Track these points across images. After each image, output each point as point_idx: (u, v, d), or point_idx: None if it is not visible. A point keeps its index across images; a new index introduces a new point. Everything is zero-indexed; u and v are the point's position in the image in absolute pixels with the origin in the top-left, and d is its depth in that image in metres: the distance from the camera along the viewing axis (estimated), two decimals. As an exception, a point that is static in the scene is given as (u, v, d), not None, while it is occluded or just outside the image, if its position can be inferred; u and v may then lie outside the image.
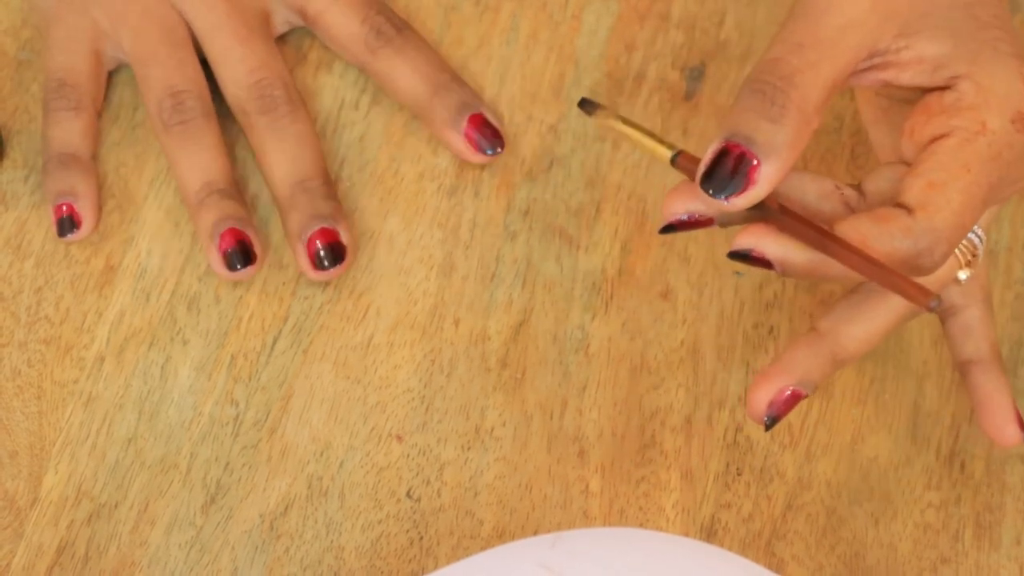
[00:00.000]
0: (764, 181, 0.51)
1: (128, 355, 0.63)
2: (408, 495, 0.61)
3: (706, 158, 0.52)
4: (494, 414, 0.62)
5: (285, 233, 0.64)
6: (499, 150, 0.65)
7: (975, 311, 0.59)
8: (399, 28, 0.66)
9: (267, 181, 0.65)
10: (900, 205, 0.52)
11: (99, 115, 0.66)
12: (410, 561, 0.60)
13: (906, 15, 0.54)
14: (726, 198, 0.51)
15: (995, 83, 0.54)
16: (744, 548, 0.60)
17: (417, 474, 0.61)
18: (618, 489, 0.61)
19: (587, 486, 0.61)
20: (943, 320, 0.60)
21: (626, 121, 0.55)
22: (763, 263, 0.52)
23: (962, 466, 0.62)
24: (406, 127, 0.67)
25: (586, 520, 0.60)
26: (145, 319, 0.63)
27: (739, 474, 0.61)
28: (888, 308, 0.56)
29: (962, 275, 0.57)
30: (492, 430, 0.62)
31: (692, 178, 0.52)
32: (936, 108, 0.54)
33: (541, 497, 0.61)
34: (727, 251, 0.52)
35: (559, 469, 0.61)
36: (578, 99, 0.57)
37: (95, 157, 0.65)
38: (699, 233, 0.65)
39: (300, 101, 0.65)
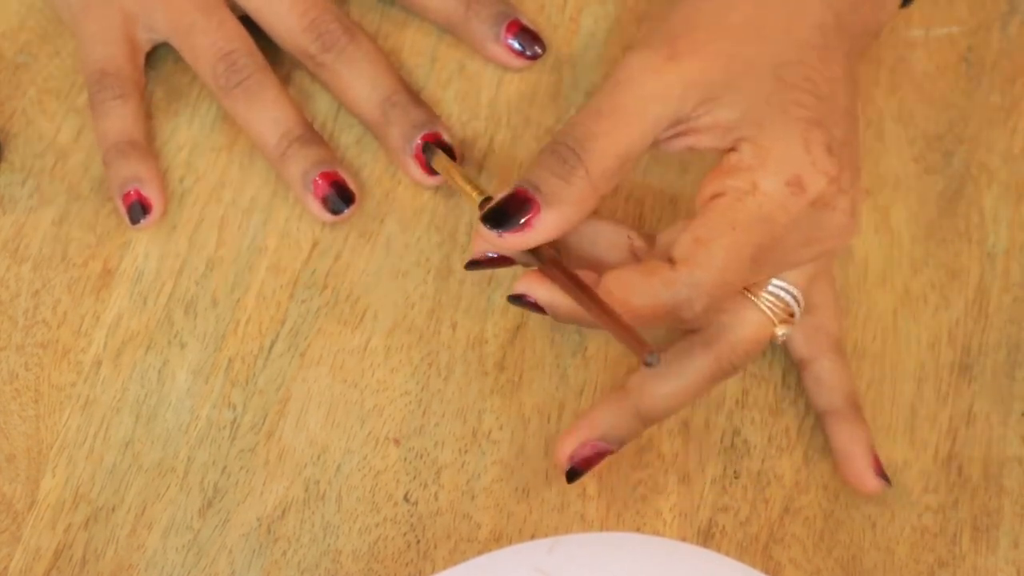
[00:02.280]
0: (541, 227, 0.55)
1: (125, 359, 0.63)
2: (405, 499, 0.61)
3: (496, 199, 0.56)
4: (491, 417, 0.62)
5: (389, 150, 0.65)
6: (542, 51, 0.66)
7: (824, 362, 0.61)
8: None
9: (354, 111, 0.65)
10: (670, 259, 0.55)
11: (144, 99, 0.66)
12: (407, 565, 0.60)
13: (710, 84, 0.56)
14: (500, 233, 0.55)
15: (775, 145, 0.55)
16: (741, 552, 0.60)
17: (414, 478, 0.61)
18: (615, 493, 0.61)
19: (584, 490, 0.61)
20: (799, 372, 0.62)
21: (452, 165, 0.61)
22: (535, 307, 0.57)
23: (959, 469, 0.62)
24: (403, 130, 0.67)
25: (583, 524, 0.60)
26: (142, 323, 0.63)
27: (736, 477, 0.61)
28: (694, 368, 0.58)
29: (780, 331, 0.58)
30: (489, 433, 0.62)
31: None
32: (721, 168, 0.56)
33: (538, 501, 0.61)
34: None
35: (556, 472, 0.61)
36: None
37: (150, 140, 0.65)
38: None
39: (355, 25, 0.65)
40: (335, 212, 0.63)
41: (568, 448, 0.58)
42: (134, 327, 0.63)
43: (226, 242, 0.65)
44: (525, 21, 0.66)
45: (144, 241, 0.65)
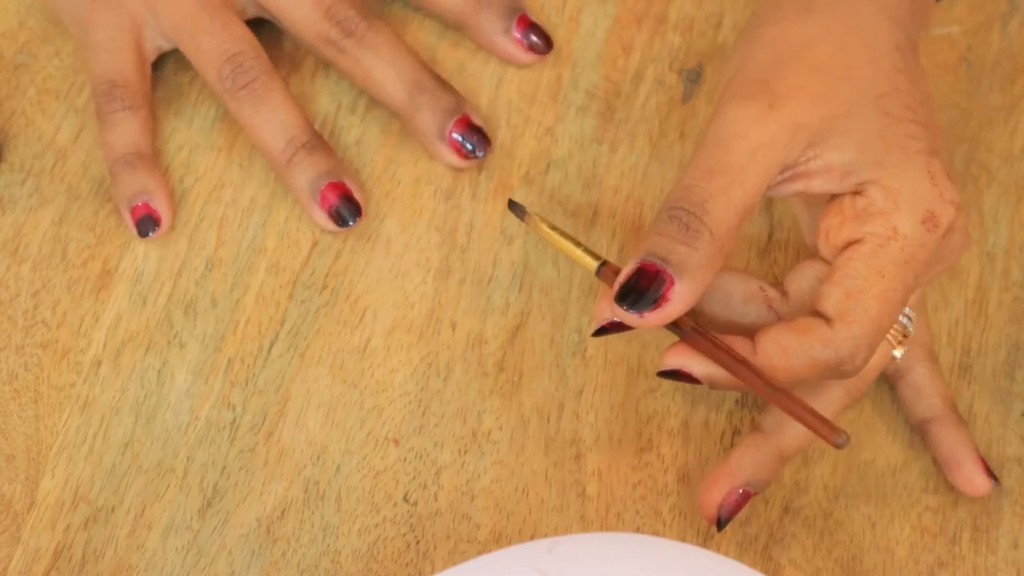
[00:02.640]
0: (678, 299, 0.53)
1: (125, 359, 0.63)
2: (405, 499, 0.61)
3: (622, 275, 0.54)
4: (491, 418, 0.62)
5: (421, 137, 0.64)
6: (549, 47, 0.66)
7: (921, 370, 0.60)
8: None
9: (379, 96, 0.65)
10: (819, 313, 0.54)
11: (151, 110, 0.65)
12: (407, 565, 0.60)
13: (815, 125, 0.55)
14: (641, 314, 0.53)
15: (903, 185, 0.55)
16: (741, 552, 0.60)
17: (414, 478, 0.61)
18: (615, 493, 0.61)
19: (584, 490, 0.61)
20: (893, 384, 0.61)
21: (554, 228, 0.58)
22: (691, 379, 0.56)
23: (959, 470, 0.62)
24: (402, 131, 0.67)
25: (583, 524, 0.60)
26: (142, 323, 0.63)
27: (736, 478, 0.61)
28: (828, 402, 0.58)
29: (897, 353, 0.58)
30: (489, 434, 0.62)
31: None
32: (849, 213, 0.55)
33: (538, 501, 0.61)
34: (656, 371, 0.56)
35: (556, 473, 0.61)
36: (508, 201, 0.60)
37: (157, 152, 0.65)
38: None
39: (371, 11, 0.65)
40: (342, 224, 0.63)
41: (715, 499, 0.58)
42: (133, 327, 0.63)
43: (226, 242, 0.65)
44: (533, 17, 0.67)
45: (143, 241, 0.64)
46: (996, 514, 0.61)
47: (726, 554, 0.60)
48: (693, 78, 0.68)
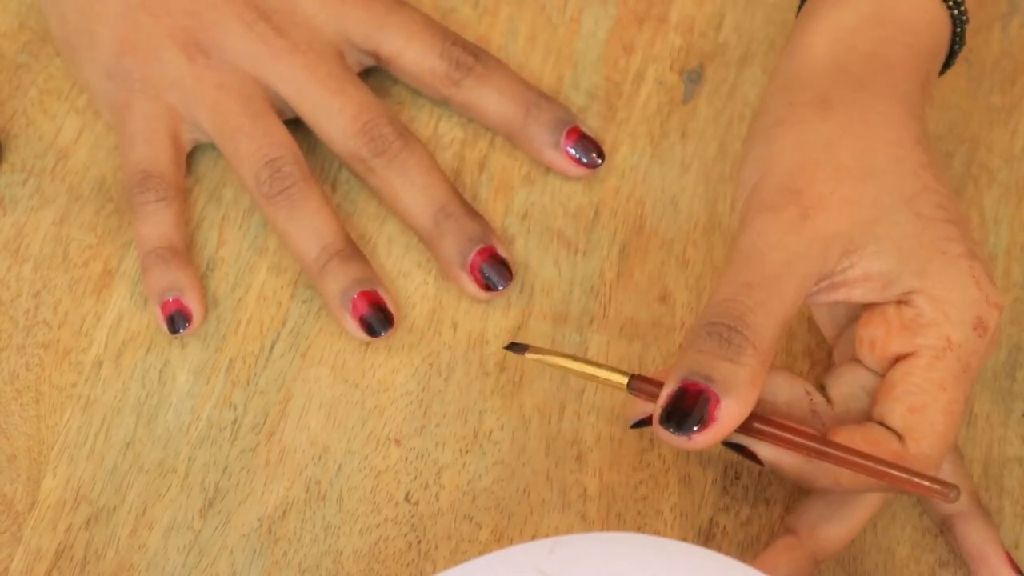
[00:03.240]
0: (726, 418, 0.52)
1: (126, 359, 0.63)
2: (406, 499, 0.61)
3: (664, 397, 0.53)
4: (492, 418, 0.62)
5: (443, 264, 0.63)
6: (601, 161, 0.65)
7: (946, 465, 0.59)
8: (476, 55, 0.65)
9: (404, 219, 0.63)
10: (883, 425, 0.54)
11: (185, 203, 0.64)
12: (408, 565, 0.60)
13: (849, 232, 0.54)
14: (689, 436, 0.52)
15: (950, 293, 0.54)
16: (742, 552, 0.60)
17: (415, 478, 0.61)
18: (616, 493, 0.61)
19: (585, 490, 0.61)
20: None
21: (567, 356, 0.57)
22: (754, 459, 0.55)
23: (960, 470, 0.62)
24: (404, 130, 0.67)
25: (584, 524, 0.60)
26: (143, 323, 0.63)
27: (737, 478, 0.61)
28: (867, 504, 0.57)
29: None
30: (490, 434, 0.62)
31: (649, 398, 0.54)
32: (896, 323, 0.54)
33: (539, 501, 0.61)
34: (723, 440, 0.54)
35: (557, 473, 0.61)
36: (506, 345, 0.60)
37: (189, 246, 0.64)
38: (698, 236, 0.65)
39: (408, 131, 0.64)
40: (373, 333, 0.62)
41: None
42: (135, 327, 0.63)
43: (227, 242, 0.65)
44: (585, 128, 0.65)
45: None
46: (997, 515, 0.61)
47: (727, 554, 0.60)
48: (694, 79, 0.68)
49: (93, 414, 0.62)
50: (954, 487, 0.52)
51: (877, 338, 0.55)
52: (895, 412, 0.54)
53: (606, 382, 0.56)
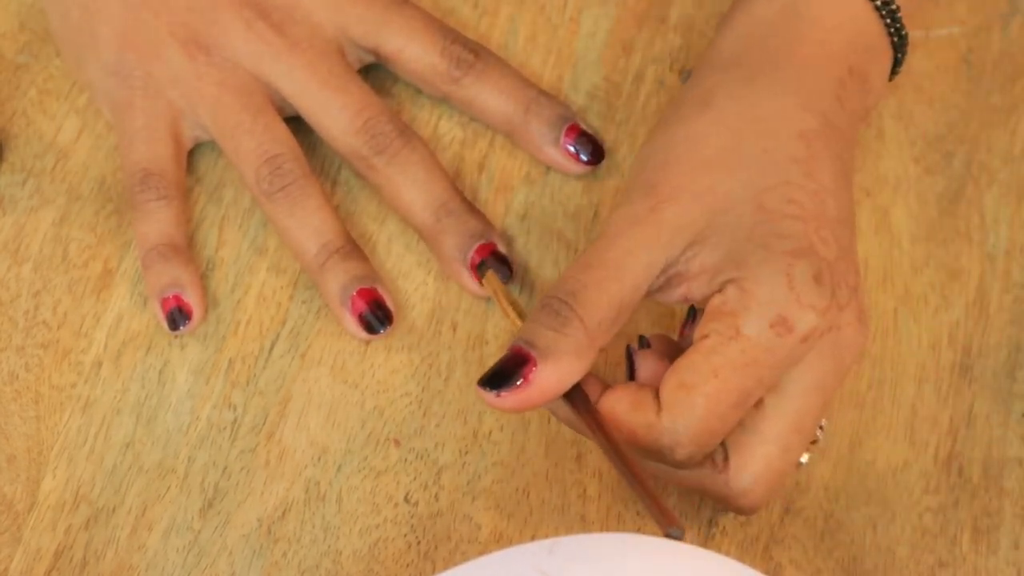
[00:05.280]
0: (540, 380, 0.54)
1: (126, 359, 0.63)
2: (406, 499, 0.61)
3: (497, 361, 0.55)
4: (491, 418, 0.62)
5: (441, 258, 0.63)
6: (601, 158, 0.65)
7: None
8: (476, 53, 0.65)
9: (405, 216, 0.63)
10: (658, 397, 0.54)
11: (186, 200, 0.64)
12: (408, 566, 0.60)
13: (697, 224, 0.55)
14: (497, 393, 0.54)
15: (758, 287, 0.54)
16: (742, 552, 0.60)
17: (415, 478, 0.61)
18: (616, 493, 0.61)
19: (585, 490, 0.61)
20: None
21: (498, 286, 0.61)
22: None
23: (960, 470, 0.62)
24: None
25: (584, 524, 0.60)
26: (143, 323, 0.63)
27: (737, 478, 0.61)
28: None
29: (803, 459, 0.58)
30: (490, 434, 0.62)
31: None
32: (707, 311, 0.55)
33: (539, 501, 0.61)
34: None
35: (557, 473, 0.61)
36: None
37: (190, 243, 0.64)
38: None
39: (409, 128, 0.64)
40: (371, 331, 0.62)
41: None
42: (134, 328, 0.63)
43: (227, 242, 0.65)
44: (584, 126, 0.65)
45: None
46: (997, 515, 0.61)
47: (727, 554, 0.60)
48: (694, 79, 0.68)
49: (93, 414, 0.62)
50: (677, 526, 0.52)
51: (699, 324, 0.55)
52: (667, 384, 0.54)
53: (510, 321, 0.60)
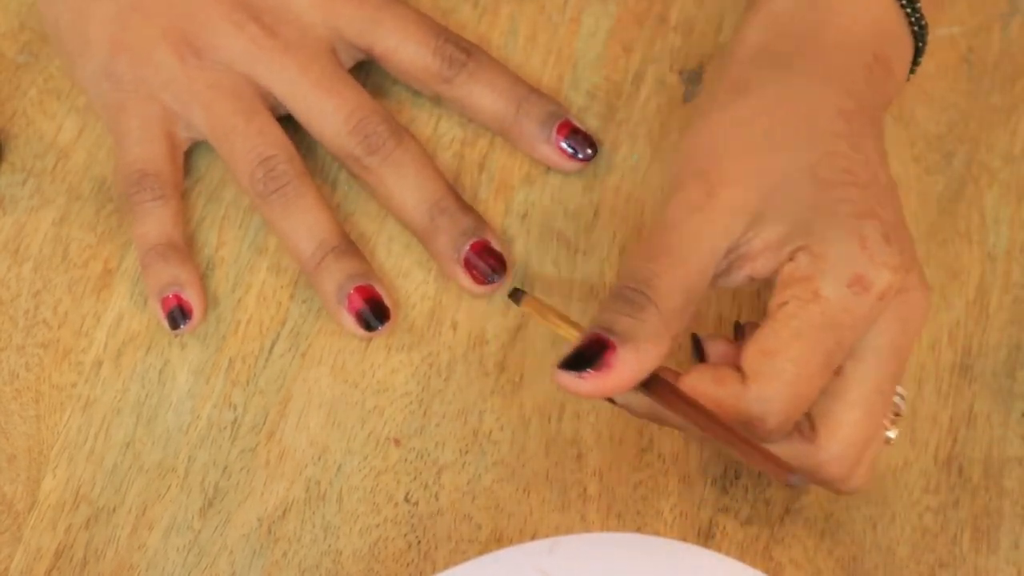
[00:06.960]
0: (621, 365, 0.53)
1: (126, 359, 0.63)
2: (406, 499, 0.61)
3: (574, 345, 0.54)
4: (492, 418, 0.62)
5: (436, 257, 0.63)
6: (593, 153, 0.65)
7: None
8: (469, 52, 0.65)
9: (398, 215, 0.64)
10: (740, 369, 0.54)
11: (183, 200, 0.64)
12: (408, 565, 0.60)
13: (754, 204, 0.55)
14: (580, 375, 0.53)
15: (829, 249, 0.54)
16: (742, 552, 0.60)
17: (415, 478, 0.61)
18: (616, 493, 0.61)
19: (585, 490, 0.61)
20: None
21: (562, 317, 0.58)
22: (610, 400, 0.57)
23: (960, 470, 0.62)
24: (404, 130, 0.67)
25: (584, 524, 0.60)
26: (143, 323, 0.63)
27: (737, 478, 0.61)
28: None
29: (891, 434, 0.58)
30: (490, 434, 0.62)
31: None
32: (781, 281, 0.55)
33: (539, 501, 0.61)
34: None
35: (557, 473, 0.61)
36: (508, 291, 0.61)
37: (190, 243, 0.64)
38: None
39: (402, 128, 0.64)
40: (369, 328, 0.62)
41: None
42: (135, 327, 0.63)
43: (227, 242, 0.65)
44: (576, 122, 0.65)
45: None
46: (997, 514, 0.61)
47: (727, 554, 0.60)
48: (694, 79, 0.68)
49: (93, 414, 0.62)
50: (794, 472, 0.51)
51: (772, 297, 0.55)
52: (748, 353, 0.54)
53: (567, 337, 0.57)
